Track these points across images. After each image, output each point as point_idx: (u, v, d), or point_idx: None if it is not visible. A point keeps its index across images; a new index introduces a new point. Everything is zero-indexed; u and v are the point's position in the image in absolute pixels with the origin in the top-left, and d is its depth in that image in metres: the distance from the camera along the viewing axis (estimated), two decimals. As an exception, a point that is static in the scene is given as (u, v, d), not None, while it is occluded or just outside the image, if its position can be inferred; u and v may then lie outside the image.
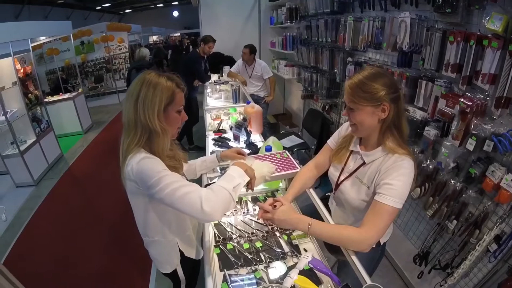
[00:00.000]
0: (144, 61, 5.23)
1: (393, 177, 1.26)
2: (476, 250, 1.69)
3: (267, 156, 2.01)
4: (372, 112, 1.29)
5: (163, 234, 1.48)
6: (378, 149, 1.37)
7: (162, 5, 22.72)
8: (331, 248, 1.61)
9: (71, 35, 7.14)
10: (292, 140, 4.14)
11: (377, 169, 1.35)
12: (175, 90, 1.31)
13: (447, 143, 1.83)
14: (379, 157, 1.37)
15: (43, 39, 7.08)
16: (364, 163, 1.43)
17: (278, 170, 1.85)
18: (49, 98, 6.64)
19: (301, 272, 1.25)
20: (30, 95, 5.02)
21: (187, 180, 1.51)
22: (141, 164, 1.21)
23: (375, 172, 1.35)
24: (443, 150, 1.87)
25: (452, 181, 1.86)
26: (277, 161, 1.94)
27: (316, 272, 1.30)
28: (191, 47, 13.57)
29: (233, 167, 1.39)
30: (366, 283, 1.11)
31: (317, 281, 1.27)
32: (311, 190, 1.75)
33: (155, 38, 18.44)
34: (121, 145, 1.31)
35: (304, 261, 1.26)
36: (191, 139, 5.35)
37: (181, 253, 1.56)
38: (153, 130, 1.26)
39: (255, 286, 1.23)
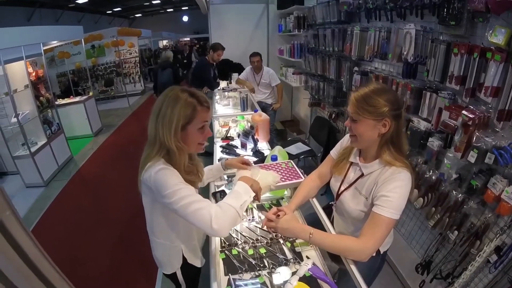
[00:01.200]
0: (168, 62, 6.36)
1: (390, 189, 1.29)
2: (477, 260, 1.70)
3: (272, 166, 2.04)
4: (374, 125, 1.32)
5: (170, 239, 1.53)
6: (375, 161, 1.41)
7: (172, 10, 22.91)
8: (332, 257, 1.64)
9: (82, 39, 7.27)
10: (299, 147, 4.16)
11: (374, 181, 1.38)
12: (196, 107, 1.32)
13: (450, 155, 1.86)
14: (376, 169, 1.40)
15: (54, 42, 7.22)
16: (362, 175, 1.47)
17: (283, 179, 1.88)
18: (60, 101, 6.76)
19: (303, 279, 1.28)
20: (41, 98, 5.14)
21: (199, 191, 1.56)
22: (159, 174, 1.26)
23: (373, 184, 1.39)
24: (446, 162, 1.90)
25: (454, 192, 1.88)
26: (282, 171, 1.97)
27: (317, 279, 1.33)
28: (193, 55, 12.73)
29: (240, 183, 1.43)
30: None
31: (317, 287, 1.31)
32: (314, 199, 1.78)
33: (165, 42, 18.60)
34: (144, 152, 1.38)
35: (304, 268, 1.29)
36: None
37: (185, 259, 1.61)
38: (170, 148, 1.30)
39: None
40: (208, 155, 5.09)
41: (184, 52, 12.03)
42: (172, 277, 1.67)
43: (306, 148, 4.15)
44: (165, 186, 1.24)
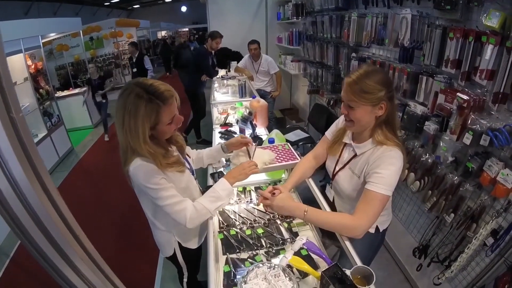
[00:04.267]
0: (186, 44, 8.84)
1: (382, 167, 1.31)
2: (473, 243, 1.72)
3: (269, 147, 2.07)
4: (371, 110, 1.34)
5: (162, 224, 1.58)
6: (368, 141, 1.44)
7: (170, 0, 22.74)
8: (329, 236, 1.67)
9: (81, 31, 7.24)
10: (297, 135, 4.18)
11: (366, 160, 1.41)
12: (159, 109, 1.26)
13: (446, 138, 1.86)
14: (368, 149, 1.43)
15: (53, 35, 7.20)
16: (356, 155, 1.50)
17: (279, 160, 1.91)
18: (60, 93, 6.77)
19: (300, 257, 1.30)
20: (41, 90, 5.16)
21: (192, 167, 1.63)
22: (138, 171, 1.31)
23: (365, 163, 1.42)
24: (442, 145, 1.91)
25: (450, 175, 1.90)
26: (278, 152, 2.00)
27: (313, 256, 1.36)
28: (145, 60, 10.91)
29: (224, 183, 1.51)
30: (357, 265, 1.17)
31: (314, 265, 1.33)
32: (311, 180, 1.81)
33: (163, 33, 18.49)
34: (121, 157, 1.40)
35: (299, 243, 1.32)
36: (198, 133, 5.44)
37: (179, 242, 1.65)
38: (142, 154, 1.30)
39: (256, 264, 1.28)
40: (206, 143, 5.16)
41: (133, 56, 7.02)
42: (173, 259, 1.71)
43: (305, 135, 4.17)
44: (147, 183, 1.31)
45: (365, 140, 1.46)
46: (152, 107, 1.24)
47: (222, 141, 2.64)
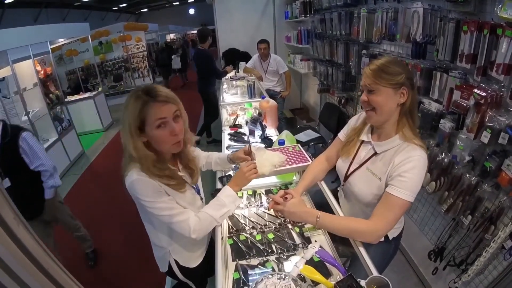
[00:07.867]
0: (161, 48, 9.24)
1: (407, 169, 1.25)
2: (491, 246, 1.65)
3: (279, 149, 2.02)
4: (393, 94, 1.28)
5: (156, 238, 1.52)
6: (393, 138, 1.37)
7: (178, 3, 22.84)
8: (341, 242, 1.61)
9: (89, 36, 7.30)
10: (308, 135, 4.13)
11: (390, 160, 1.33)
12: (147, 103, 1.18)
13: (462, 136, 1.80)
14: (392, 147, 1.36)
15: (62, 41, 7.27)
16: (375, 154, 1.42)
17: (290, 163, 1.86)
18: (70, 98, 6.83)
19: (312, 264, 1.26)
20: (51, 95, 5.22)
21: (198, 188, 1.55)
22: (133, 185, 1.25)
23: (388, 163, 1.34)
24: (458, 143, 1.84)
25: (467, 175, 1.82)
26: (289, 154, 1.95)
27: (326, 264, 1.31)
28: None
29: (227, 190, 1.44)
30: (373, 275, 1.11)
31: (326, 273, 1.28)
32: (322, 182, 1.75)
33: (172, 36, 18.53)
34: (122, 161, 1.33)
35: (311, 251, 1.27)
36: (209, 133, 5.49)
37: (177, 261, 1.56)
38: (133, 155, 1.22)
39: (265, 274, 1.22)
40: (216, 142, 5.16)
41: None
42: (172, 276, 1.63)
43: (316, 135, 4.12)
44: (143, 197, 1.26)
45: (389, 136, 1.38)
46: (140, 100, 1.18)
47: (232, 142, 2.63)
